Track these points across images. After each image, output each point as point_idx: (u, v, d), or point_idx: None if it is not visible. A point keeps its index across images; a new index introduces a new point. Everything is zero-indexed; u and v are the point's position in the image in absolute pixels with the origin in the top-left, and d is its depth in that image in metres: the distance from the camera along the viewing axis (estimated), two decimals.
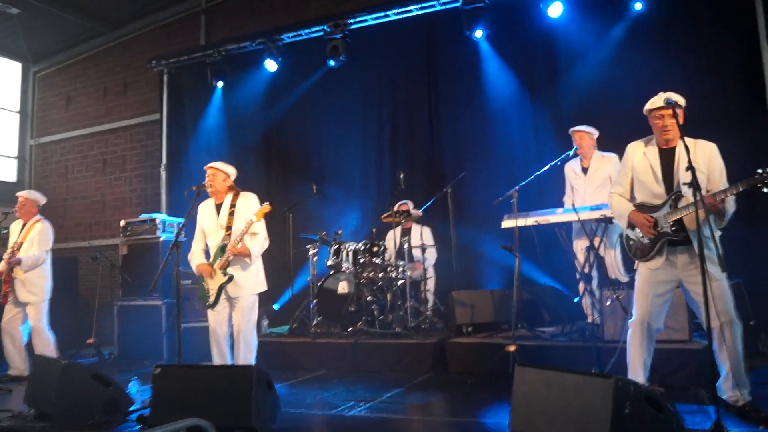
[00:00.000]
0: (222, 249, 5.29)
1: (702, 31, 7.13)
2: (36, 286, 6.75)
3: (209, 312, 5.39)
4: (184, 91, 10.79)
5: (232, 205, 5.39)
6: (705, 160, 3.94)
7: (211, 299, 5.30)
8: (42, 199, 7.10)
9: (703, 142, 4.02)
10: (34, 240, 6.77)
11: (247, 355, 5.34)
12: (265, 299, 8.27)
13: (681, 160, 3.89)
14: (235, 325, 5.35)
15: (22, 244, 6.74)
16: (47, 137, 12.62)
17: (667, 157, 4.03)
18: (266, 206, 5.29)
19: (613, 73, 7.45)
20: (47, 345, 6.73)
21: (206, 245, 5.52)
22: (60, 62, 12.62)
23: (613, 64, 7.48)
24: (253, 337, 5.42)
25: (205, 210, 5.52)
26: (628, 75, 7.29)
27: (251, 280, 5.39)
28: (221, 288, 5.27)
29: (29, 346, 6.80)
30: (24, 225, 6.89)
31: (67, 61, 12.53)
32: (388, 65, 9.25)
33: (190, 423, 2.84)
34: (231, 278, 5.24)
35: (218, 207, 5.45)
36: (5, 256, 6.71)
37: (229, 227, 5.32)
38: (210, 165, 5.47)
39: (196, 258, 5.48)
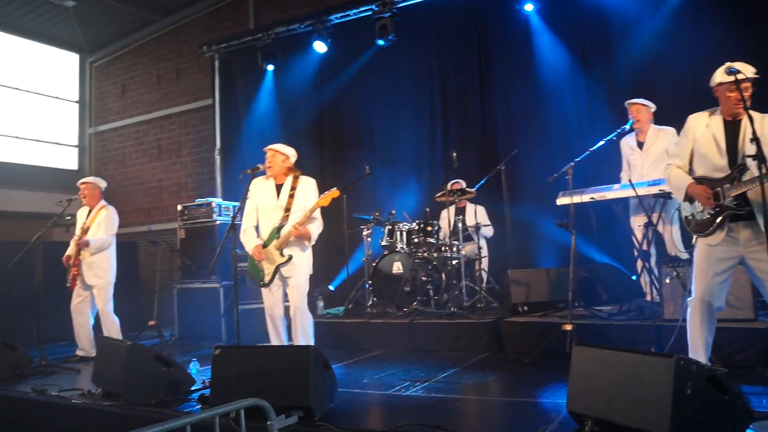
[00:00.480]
0: (278, 230, 5.32)
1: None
2: (102, 269, 6.96)
3: (264, 293, 5.45)
4: (235, 75, 10.91)
5: (293, 188, 5.41)
6: None
7: (267, 279, 5.34)
8: (102, 183, 7.31)
9: None
10: (101, 224, 6.98)
11: (306, 333, 5.39)
12: (321, 280, 8.39)
13: (747, 132, 3.73)
14: (292, 304, 5.39)
15: (89, 228, 6.96)
16: (105, 125, 12.98)
17: (732, 129, 3.86)
18: (335, 191, 5.31)
19: (669, 44, 7.22)
20: (113, 327, 6.95)
21: (257, 222, 5.55)
22: (114, 52, 12.92)
23: (669, 34, 7.23)
24: (309, 315, 5.48)
25: (262, 188, 5.51)
26: (684, 46, 7.05)
27: (305, 261, 5.42)
28: (278, 268, 5.32)
29: (96, 328, 7.03)
30: (90, 211, 7.11)
31: (122, 50, 12.82)
32: (438, 42, 9.16)
33: (249, 403, 2.89)
34: (290, 258, 5.27)
35: (278, 188, 5.47)
36: (74, 239, 6.94)
37: (288, 209, 5.34)
38: (269, 146, 5.51)
39: (250, 237, 5.49)
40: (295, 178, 5.47)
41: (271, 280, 5.35)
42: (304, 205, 5.36)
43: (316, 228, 5.38)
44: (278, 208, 5.38)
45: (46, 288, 6.96)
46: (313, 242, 5.39)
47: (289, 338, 5.50)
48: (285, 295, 5.49)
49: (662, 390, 2.80)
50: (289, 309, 5.46)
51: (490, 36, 8.76)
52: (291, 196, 5.38)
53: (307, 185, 5.47)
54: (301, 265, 5.39)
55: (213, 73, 11.07)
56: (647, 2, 7.47)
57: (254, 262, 5.44)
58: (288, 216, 5.33)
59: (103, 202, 7.16)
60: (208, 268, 7.47)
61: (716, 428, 2.83)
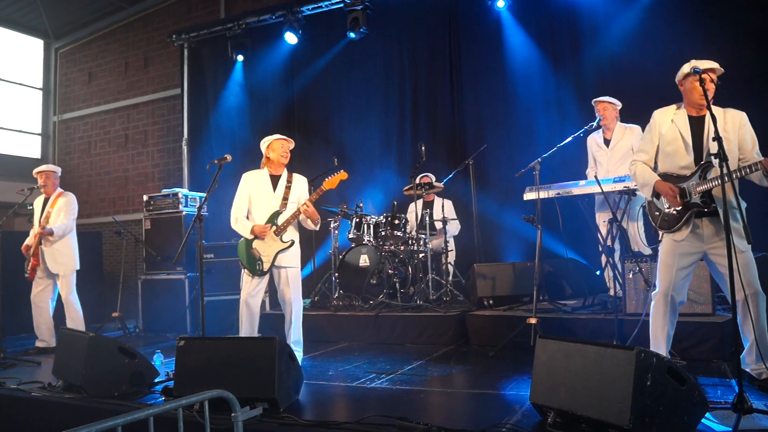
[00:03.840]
0: (275, 216, 5.37)
1: None
2: (65, 257, 6.88)
3: (246, 282, 5.39)
4: (204, 65, 10.81)
5: (289, 181, 5.54)
6: (734, 128, 3.84)
7: (266, 266, 5.32)
8: (59, 170, 7.23)
9: (732, 110, 3.92)
10: (60, 211, 6.89)
11: (298, 322, 5.44)
12: None
13: (711, 129, 3.80)
14: (287, 300, 5.39)
15: (50, 216, 6.85)
16: (70, 113, 12.74)
17: (697, 125, 3.92)
18: (342, 173, 5.59)
19: (637, 43, 7.32)
20: (77, 315, 6.87)
21: (248, 213, 5.52)
22: (81, 38, 12.68)
23: (638, 33, 7.34)
24: (302, 307, 5.54)
25: (256, 178, 5.53)
26: (653, 45, 7.16)
27: (298, 252, 5.52)
28: (277, 254, 5.33)
29: (57, 318, 6.92)
30: (46, 199, 7.00)
31: (89, 36, 12.58)
32: (409, 36, 9.18)
33: (213, 394, 2.87)
34: (292, 243, 5.40)
35: (274, 178, 5.52)
36: (38, 229, 6.81)
37: (286, 197, 5.45)
38: (281, 137, 5.60)
39: (243, 223, 5.44)
40: (290, 173, 5.60)
41: (270, 268, 5.36)
42: (298, 198, 5.50)
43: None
44: (276, 197, 5.45)
45: (5, 279, 6.81)
46: (316, 226, 5.54)
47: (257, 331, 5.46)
48: (267, 286, 5.58)
49: (623, 381, 2.86)
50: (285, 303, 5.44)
51: (461, 31, 8.80)
52: (288, 187, 5.50)
53: (302, 183, 5.66)
54: (296, 254, 5.49)
55: (182, 63, 10.95)
56: (617, 2, 7.55)
57: (249, 251, 5.38)
58: (286, 204, 5.43)
59: (60, 189, 7.08)
60: (173, 259, 7.40)
61: (674, 418, 2.89)
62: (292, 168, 7.82)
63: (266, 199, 5.45)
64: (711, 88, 3.78)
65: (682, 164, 3.95)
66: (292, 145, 5.61)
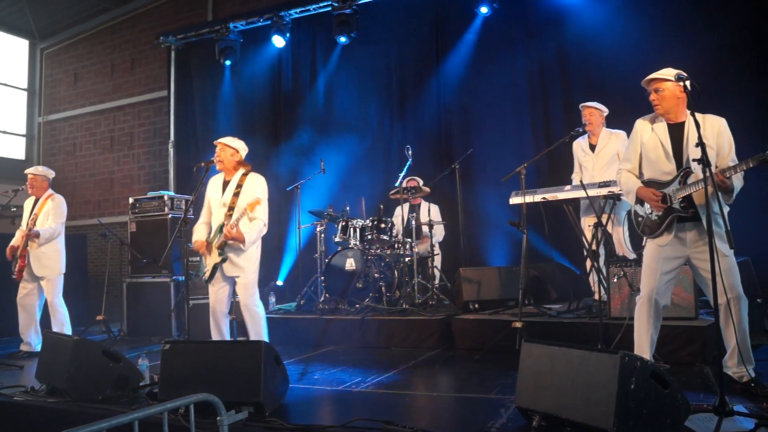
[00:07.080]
0: (220, 228, 5.20)
1: (713, 4, 7.03)
2: (51, 260, 6.81)
3: (210, 289, 5.35)
4: (191, 67, 10.79)
5: (239, 185, 5.27)
6: (714, 134, 3.90)
7: (206, 275, 5.27)
8: (51, 173, 7.13)
9: (711, 116, 3.97)
10: (48, 213, 6.82)
11: (257, 331, 5.29)
12: (271, 275, 8.34)
13: (691, 135, 3.86)
14: (241, 303, 5.32)
15: (37, 218, 6.79)
16: (55, 115, 12.66)
17: (676, 132, 3.99)
18: (257, 200, 5.11)
19: (624, 49, 7.35)
20: (62, 320, 6.80)
21: (210, 220, 5.43)
22: (67, 39, 12.60)
23: (624, 39, 7.38)
24: (259, 313, 5.34)
25: (213, 185, 5.44)
26: (639, 51, 7.20)
27: (249, 261, 5.26)
28: (215, 267, 5.22)
29: (42, 321, 6.86)
30: (36, 200, 6.93)
31: (75, 37, 12.51)
32: (397, 40, 9.20)
33: (198, 398, 2.86)
34: (225, 259, 5.17)
35: (225, 184, 5.36)
36: (23, 230, 6.75)
37: (231, 207, 5.21)
38: (218, 140, 5.41)
39: (197, 232, 5.39)
40: (244, 175, 5.34)
41: (210, 278, 5.25)
42: (247, 203, 5.19)
43: (253, 230, 5.19)
44: (222, 206, 5.27)
45: None
46: (248, 245, 5.17)
47: (240, 336, 5.43)
48: (231, 293, 5.38)
49: (608, 385, 2.88)
50: (232, 306, 5.38)
51: (448, 35, 8.83)
52: (236, 194, 5.25)
53: (254, 183, 5.30)
54: (245, 264, 5.24)
55: (169, 65, 10.93)
56: (602, 8, 7.60)
57: (201, 257, 5.37)
58: (231, 214, 5.20)
59: (50, 191, 7.00)
60: (158, 262, 7.37)
61: (657, 421, 2.92)
62: (279, 169, 7.76)
63: (216, 208, 5.33)
64: (655, 98, 3.97)
65: (664, 170, 4.02)
66: (226, 146, 5.32)
